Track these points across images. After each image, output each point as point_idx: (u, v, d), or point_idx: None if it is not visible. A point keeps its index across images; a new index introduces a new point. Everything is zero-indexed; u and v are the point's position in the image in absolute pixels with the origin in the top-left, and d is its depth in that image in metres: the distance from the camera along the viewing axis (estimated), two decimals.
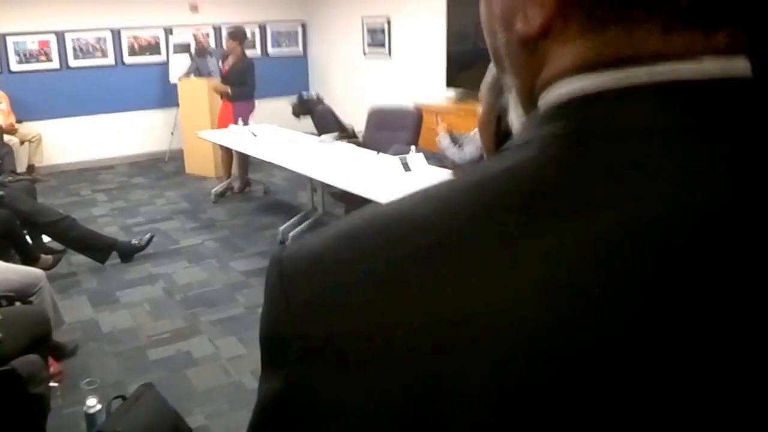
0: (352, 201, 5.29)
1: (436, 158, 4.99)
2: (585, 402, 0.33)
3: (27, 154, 7.88)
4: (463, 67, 6.98)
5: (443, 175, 4.33)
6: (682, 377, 0.33)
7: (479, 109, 1.12)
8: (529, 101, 0.45)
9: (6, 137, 7.44)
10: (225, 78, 7.08)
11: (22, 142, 7.76)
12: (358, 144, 6.01)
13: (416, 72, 8.04)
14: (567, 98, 0.40)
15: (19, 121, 7.86)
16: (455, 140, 5.18)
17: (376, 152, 5.06)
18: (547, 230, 0.35)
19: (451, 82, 7.30)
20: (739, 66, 0.38)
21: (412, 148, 4.89)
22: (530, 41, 0.42)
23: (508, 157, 0.40)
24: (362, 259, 0.38)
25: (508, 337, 0.34)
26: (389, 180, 4.32)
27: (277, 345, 0.40)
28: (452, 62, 7.25)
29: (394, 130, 5.91)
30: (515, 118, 0.51)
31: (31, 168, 7.89)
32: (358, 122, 6.85)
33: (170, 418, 2.85)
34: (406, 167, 4.48)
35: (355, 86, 9.04)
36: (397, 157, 4.61)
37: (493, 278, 0.35)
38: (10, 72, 8.12)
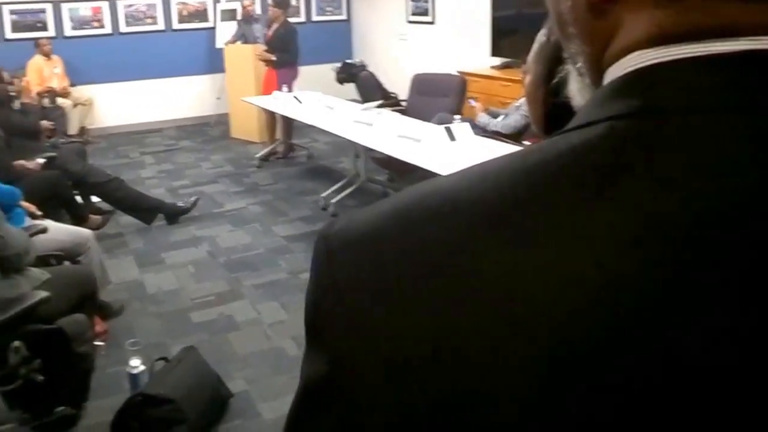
0: (395, 168, 5.26)
1: (479, 127, 4.92)
2: (655, 408, 0.30)
3: (79, 117, 8.03)
4: (508, 34, 6.83)
5: (488, 144, 4.28)
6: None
7: (526, 78, 1.08)
8: (597, 71, 0.41)
9: (59, 100, 7.61)
10: (269, 44, 7.08)
11: (74, 105, 7.92)
12: (402, 111, 5.96)
13: (460, 39, 7.88)
14: (638, 73, 0.37)
15: (72, 85, 8.03)
16: (494, 115, 5.10)
17: (420, 121, 5.01)
18: (614, 209, 0.33)
19: (495, 50, 7.14)
20: None
21: (457, 117, 4.82)
22: (598, 5, 0.39)
23: (573, 135, 0.37)
24: (413, 242, 0.36)
25: (567, 327, 0.32)
26: (434, 149, 4.27)
27: (322, 325, 0.39)
28: (497, 29, 7.09)
29: (437, 98, 5.84)
30: (576, 90, 0.48)
31: (82, 130, 8.05)
32: (401, 89, 6.78)
33: (211, 383, 2.90)
34: (452, 136, 4.41)
35: (398, 53, 8.93)
36: (442, 126, 4.54)
37: (555, 264, 0.33)
38: (65, 37, 8.29)
